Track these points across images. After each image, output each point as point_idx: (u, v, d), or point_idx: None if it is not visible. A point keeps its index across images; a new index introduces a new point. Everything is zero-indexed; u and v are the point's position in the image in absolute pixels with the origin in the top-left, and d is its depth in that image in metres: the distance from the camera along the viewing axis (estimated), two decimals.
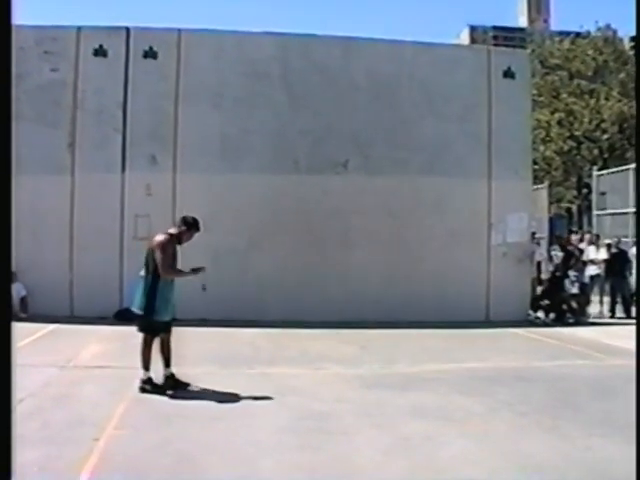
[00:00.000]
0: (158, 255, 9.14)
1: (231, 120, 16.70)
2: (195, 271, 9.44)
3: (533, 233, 19.24)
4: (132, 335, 13.61)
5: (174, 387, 9.02)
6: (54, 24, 16.89)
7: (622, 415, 7.97)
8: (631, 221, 21.37)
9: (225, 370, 9.36)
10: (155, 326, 9.25)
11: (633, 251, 18.99)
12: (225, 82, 16.76)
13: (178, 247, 9.42)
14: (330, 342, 13.29)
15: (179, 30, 16.99)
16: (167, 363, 9.26)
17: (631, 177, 21.91)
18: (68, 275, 16.14)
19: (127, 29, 16.76)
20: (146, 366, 9.11)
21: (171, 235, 9.30)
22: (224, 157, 16.63)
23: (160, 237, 9.25)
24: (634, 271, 18.76)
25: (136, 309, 9.34)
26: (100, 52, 16.46)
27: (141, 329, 9.32)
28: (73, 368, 10.64)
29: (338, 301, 16.09)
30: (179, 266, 9.49)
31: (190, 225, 9.47)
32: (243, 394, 8.90)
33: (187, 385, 9.13)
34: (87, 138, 16.35)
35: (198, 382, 9.37)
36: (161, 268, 9.10)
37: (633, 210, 21.05)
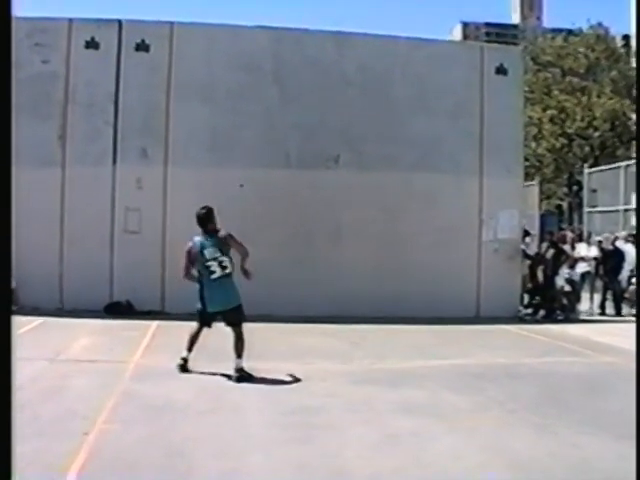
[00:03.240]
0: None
1: (223, 114, 16.68)
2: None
3: (526, 230, 19.24)
4: (122, 328, 13.68)
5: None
6: (45, 16, 16.82)
7: (610, 413, 8.00)
8: (621, 218, 21.44)
9: (215, 364, 9.35)
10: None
11: (625, 248, 19.02)
12: (217, 76, 16.74)
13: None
14: (320, 337, 13.30)
15: (171, 23, 16.95)
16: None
17: (622, 175, 21.99)
18: (58, 268, 16.10)
19: (119, 22, 16.71)
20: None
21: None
22: (215, 150, 16.62)
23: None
24: (626, 267, 18.75)
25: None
26: (92, 44, 16.40)
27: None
28: (63, 361, 10.61)
29: (328, 296, 16.08)
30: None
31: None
32: (232, 388, 8.91)
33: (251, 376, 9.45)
34: (78, 131, 16.31)
35: (187, 376, 9.39)
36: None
37: (623, 207, 21.12)
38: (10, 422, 4.04)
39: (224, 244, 9.81)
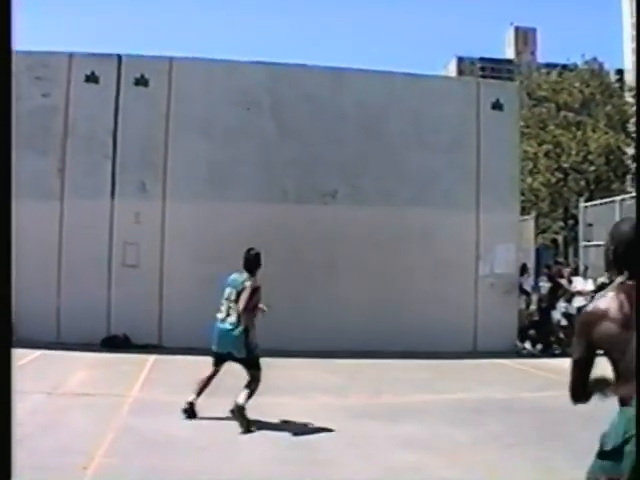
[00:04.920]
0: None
1: (220, 149, 16.76)
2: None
3: (524, 264, 19.26)
4: (119, 362, 13.65)
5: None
6: (46, 50, 16.96)
7: None
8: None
9: (212, 399, 9.34)
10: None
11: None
12: (215, 111, 16.83)
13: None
14: (317, 372, 13.28)
15: (170, 58, 17.08)
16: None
17: (617, 209, 22.04)
18: (55, 301, 16.08)
19: (119, 56, 16.84)
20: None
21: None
22: (213, 185, 16.68)
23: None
24: None
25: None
26: (91, 79, 16.51)
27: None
28: (60, 395, 10.59)
29: (324, 331, 16.04)
30: None
31: None
32: (231, 423, 8.89)
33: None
34: (77, 164, 16.37)
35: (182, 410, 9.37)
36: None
37: None
38: (10, 423, 4.04)
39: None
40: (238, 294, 9.30)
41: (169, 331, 15.85)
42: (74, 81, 16.50)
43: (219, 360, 9.40)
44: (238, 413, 8.81)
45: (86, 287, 15.90)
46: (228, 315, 9.29)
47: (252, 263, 9.68)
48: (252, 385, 9.12)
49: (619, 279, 4.09)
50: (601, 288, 19.13)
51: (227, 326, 9.25)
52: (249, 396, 9.00)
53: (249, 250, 9.79)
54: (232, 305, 9.30)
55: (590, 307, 4.01)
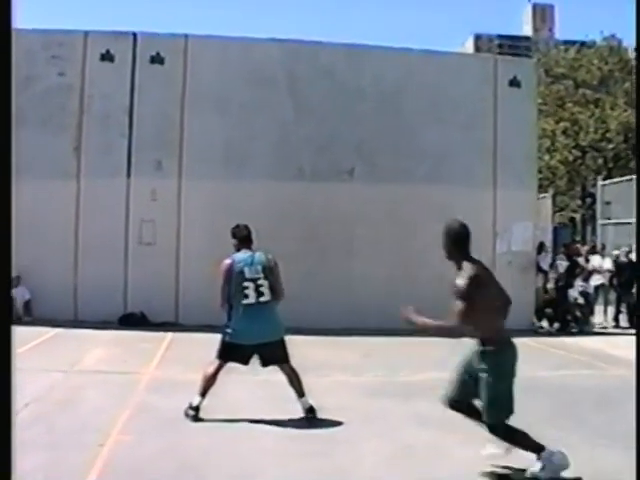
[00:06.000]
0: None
1: (236, 126, 16.72)
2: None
3: (541, 243, 19.15)
4: (136, 340, 13.71)
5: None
6: (61, 28, 16.94)
7: (626, 425, 7.95)
8: (635, 230, 21.34)
9: (228, 377, 9.33)
10: None
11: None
12: (231, 88, 16.79)
13: None
14: (333, 350, 13.27)
15: (186, 36, 17.05)
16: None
17: (635, 187, 21.90)
18: (72, 279, 16.16)
19: (134, 34, 16.81)
20: None
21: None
22: (229, 163, 16.67)
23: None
24: None
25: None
26: (107, 57, 16.51)
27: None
28: (77, 373, 10.65)
29: (341, 308, 16.06)
30: None
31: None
32: (247, 401, 8.90)
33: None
34: (93, 143, 16.40)
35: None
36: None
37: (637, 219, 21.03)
38: (10, 424, 4.06)
39: (270, 269, 8.53)
40: (264, 271, 8.40)
41: (186, 308, 15.90)
42: (90, 60, 16.51)
43: (242, 354, 8.38)
44: (312, 415, 8.33)
45: (103, 265, 15.97)
46: (261, 295, 8.35)
47: (248, 236, 8.79)
48: (296, 381, 8.52)
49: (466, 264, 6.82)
50: (618, 265, 19.09)
51: (266, 308, 8.44)
52: (303, 394, 8.45)
53: (243, 226, 8.86)
54: (264, 283, 8.35)
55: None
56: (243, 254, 8.53)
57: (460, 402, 6.73)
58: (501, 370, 6.40)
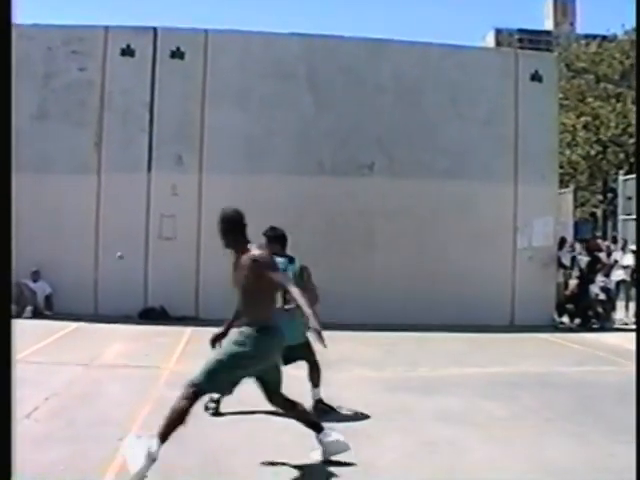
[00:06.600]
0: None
1: (256, 121, 16.73)
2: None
3: (562, 238, 19.02)
4: (156, 334, 13.75)
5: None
6: (82, 24, 17.02)
7: None
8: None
9: None
10: None
11: None
12: (251, 83, 16.80)
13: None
14: (353, 345, 13.24)
15: (206, 31, 17.06)
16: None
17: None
18: (93, 274, 16.23)
19: (154, 29, 16.85)
20: None
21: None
22: (249, 158, 16.67)
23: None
24: None
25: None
26: (127, 52, 16.55)
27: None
28: (97, 367, 10.69)
29: (361, 303, 16.05)
30: None
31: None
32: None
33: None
34: (113, 138, 16.46)
35: None
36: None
37: None
38: (10, 423, 4.06)
39: (303, 278, 8.35)
40: (297, 279, 7.86)
41: (206, 303, 15.92)
42: (110, 55, 16.56)
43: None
44: (320, 406, 8.37)
45: (123, 260, 16.00)
46: (287, 302, 7.62)
47: (284, 240, 8.57)
48: (315, 373, 8.56)
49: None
50: None
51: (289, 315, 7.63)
52: (317, 385, 8.55)
53: (273, 227, 8.57)
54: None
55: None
56: (281, 259, 8.01)
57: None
58: (247, 349, 6.28)
